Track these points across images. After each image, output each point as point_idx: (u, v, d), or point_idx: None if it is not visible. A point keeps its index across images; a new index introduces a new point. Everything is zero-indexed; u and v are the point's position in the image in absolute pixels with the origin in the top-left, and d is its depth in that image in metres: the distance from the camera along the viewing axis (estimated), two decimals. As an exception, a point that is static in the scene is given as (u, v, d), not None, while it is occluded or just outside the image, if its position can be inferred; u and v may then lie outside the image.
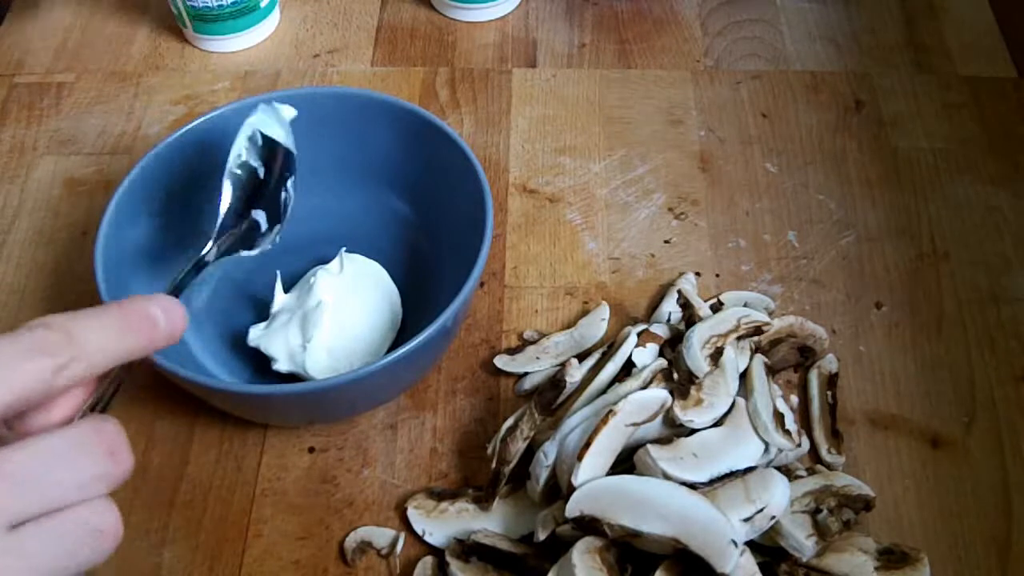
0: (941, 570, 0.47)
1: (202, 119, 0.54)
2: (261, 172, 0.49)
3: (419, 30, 0.73)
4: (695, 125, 0.66)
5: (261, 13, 0.71)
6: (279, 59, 0.71)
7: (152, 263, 0.53)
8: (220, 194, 0.48)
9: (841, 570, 0.44)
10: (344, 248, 0.54)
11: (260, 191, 0.49)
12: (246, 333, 0.53)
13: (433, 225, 0.57)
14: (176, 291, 0.42)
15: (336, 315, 0.51)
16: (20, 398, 0.28)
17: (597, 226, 0.61)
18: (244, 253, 0.48)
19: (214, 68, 0.70)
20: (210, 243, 0.47)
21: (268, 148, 0.50)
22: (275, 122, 0.50)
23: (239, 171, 0.49)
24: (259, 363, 0.53)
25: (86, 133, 0.67)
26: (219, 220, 0.48)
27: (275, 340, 0.51)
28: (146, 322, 0.33)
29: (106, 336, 0.31)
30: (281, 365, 0.51)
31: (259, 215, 0.49)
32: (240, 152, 0.49)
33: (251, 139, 0.49)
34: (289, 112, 0.51)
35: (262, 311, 0.55)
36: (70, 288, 0.59)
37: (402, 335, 0.54)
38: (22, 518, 0.28)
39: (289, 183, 0.50)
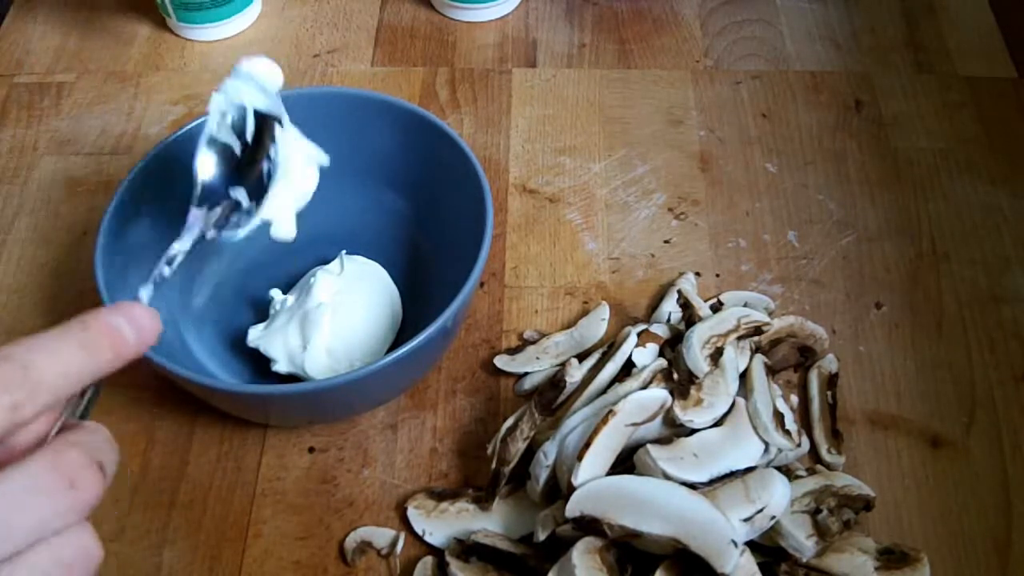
0: (941, 570, 0.47)
1: (202, 119, 0.54)
2: (237, 148, 0.46)
3: (419, 30, 0.73)
4: (695, 125, 0.66)
5: (244, 2, 0.71)
6: (279, 59, 0.70)
7: (152, 263, 0.52)
8: (194, 178, 0.45)
9: (841, 570, 0.44)
10: (344, 250, 0.54)
11: (238, 168, 0.46)
12: (246, 333, 0.53)
13: (433, 225, 0.57)
14: (156, 286, 0.40)
15: (336, 316, 0.51)
16: None
17: (597, 226, 0.61)
18: (227, 235, 0.44)
19: (214, 68, 0.70)
20: (185, 233, 0.44)
21: (242, 120, 0.46)
22: (255, 89, 0.46)
23: (210, 150, 0.46)
24: (259, 363, 0.53)
25: (86, 133, 0.67)
26: (193, 202, 0.45)
27: (275, 341, 0.51)
28: (110, 337, 0.31)
29: (67, 360, 0.30)
30: (280, 366, 0.51)
31: (238, 192, 0.46)
32: (211, 132, 0.46)
33: (221, 116, 0.46)
34: (267, 74, 0.46)
35: (262, 311, 0.55)
36: (70, 288, 0.58)
37: (402, 335, 0.54)
38: None
39: (272, 152, 0.46)
